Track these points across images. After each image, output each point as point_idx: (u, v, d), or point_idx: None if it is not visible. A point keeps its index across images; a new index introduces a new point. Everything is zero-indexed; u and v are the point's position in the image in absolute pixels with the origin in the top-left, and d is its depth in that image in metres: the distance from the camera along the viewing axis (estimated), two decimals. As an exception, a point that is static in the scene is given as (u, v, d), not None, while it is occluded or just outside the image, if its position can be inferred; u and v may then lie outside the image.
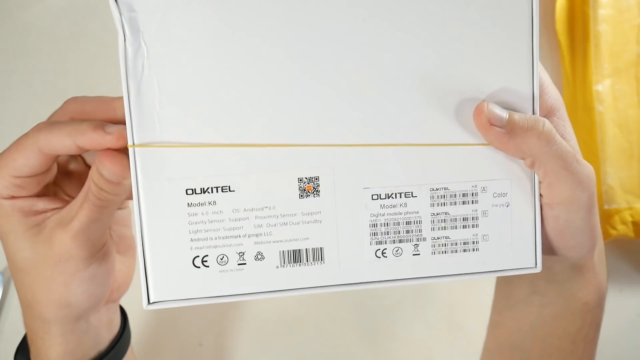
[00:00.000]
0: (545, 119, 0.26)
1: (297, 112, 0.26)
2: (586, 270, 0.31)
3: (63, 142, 0.26)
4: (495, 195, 0.27)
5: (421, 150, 0.27)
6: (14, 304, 0.49)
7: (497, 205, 0.28)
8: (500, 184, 0.27)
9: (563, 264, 0.30)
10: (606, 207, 0.45)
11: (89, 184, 0.26)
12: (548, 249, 0.29)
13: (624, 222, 0.45)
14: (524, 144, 0.25)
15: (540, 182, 0.27)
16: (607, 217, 0.45)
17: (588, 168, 0.27)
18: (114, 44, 0.53)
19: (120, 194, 0.27)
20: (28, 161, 0.27)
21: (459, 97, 0.26)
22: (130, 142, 0.25)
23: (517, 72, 0.26)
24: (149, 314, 0.48)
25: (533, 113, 0.26)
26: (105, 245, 0.29)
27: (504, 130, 0.25)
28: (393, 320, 0.49)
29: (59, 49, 0.50)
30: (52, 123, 0.27)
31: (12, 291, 0.49)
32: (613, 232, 0.45)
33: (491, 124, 0.25)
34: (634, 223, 0.45)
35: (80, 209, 0.27)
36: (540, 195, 0.27)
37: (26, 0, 0.50)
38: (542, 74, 0.27)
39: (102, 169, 0.25)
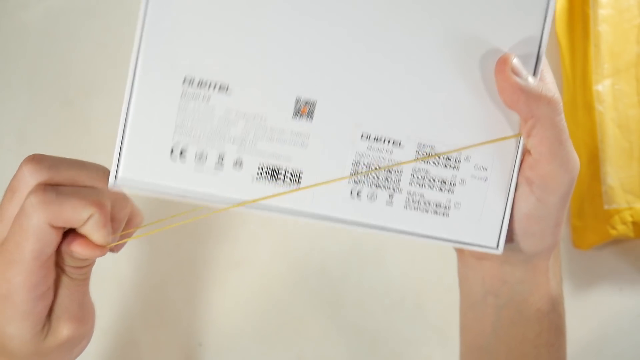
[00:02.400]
0: (557, 91, 0.26)
1: (310, 39, 0.26)
2: (538, 273, 0.30)
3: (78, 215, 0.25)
4: (476, 167, 0.28)
5: (420, 104, 0.27)
6: (14, 304, 0.49)
7: (475, 177, 0.28)
8: (484, 157, 0.28)
9: (517, 257, 0.30)
10: (606, 207, 0.45)
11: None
12: (509, 233, 0.28)
13: (624, 222, 0.45)
14: (534, 104, 0.26)
15: (526, 154, 0.27)
16: (607, 217, 0.45)
17: (577, 156, 0.27)
18: (114, 44, 0.53)
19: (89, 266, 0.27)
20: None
21: (470, 53, 0.27)
22: (140, 23, 0.25)
23: (525, 30, 0.27)
24: (150, 314, 0.48)
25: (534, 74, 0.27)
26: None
27: (523, 83, 0.26)
28: (393, 320, 0.49)
29: (59, 49, 0.50)
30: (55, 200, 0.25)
31: (12, 291, 0.49)
32: (613, 232, 0.45)
33: (513, 72, 0.26)
34: (634, 223, 0.45)
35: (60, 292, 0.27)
36: (522, 169, 0.27)
37: (26, 0, 0.50)
38: (545, 71, 0.28)
39: (76, 254, 0.26)
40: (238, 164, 0.27)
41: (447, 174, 0.28)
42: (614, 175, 0.45)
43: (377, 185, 0.28)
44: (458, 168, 0.28)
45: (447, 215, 0.28)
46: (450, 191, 0.28)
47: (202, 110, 0.26)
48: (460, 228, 0.28)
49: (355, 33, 0.26)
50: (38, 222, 0.25)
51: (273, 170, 0.27)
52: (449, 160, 0.28)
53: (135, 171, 0.26)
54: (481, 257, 0.30)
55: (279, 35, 0.26)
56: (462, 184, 0.28)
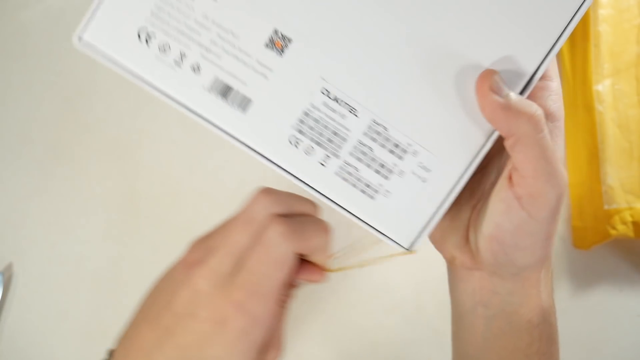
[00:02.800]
0: (539, 107, 0.26)
1: None
2: (529, 286, 0.30)
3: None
4: (420, 165, 0.27)
5: (391, 83, 0.27)
6: (14, 304, 0.49)
7: (415, 174, 0.28)
8: (431, 159, 0.27)
9: (508, 269, 0.30)
10: (606, 207, 0.45)
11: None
12: (500, 247, 0.28)
13: (624, 222, 0.45)
14: (514, 121, 0.25)
15: (513, 170, 0.27)
16: (607, 217, 0.45)
17: (564, 173, 0.27)
18: (114, 44, 0.51)
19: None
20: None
21: (461, 56, 0.27)
22: None
23: (529, 48, 0.27)
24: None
25: (521, 93, 0.27)
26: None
27: (502, 101, 0.26)
28: (393, 321, 0.49)
29: (59, 49, 0.50)
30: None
31: (12, 291, 0.49)
32: (613, 232, 0.45)
33: (491, 90, 0.26)
34: (634, 223, 0.45)
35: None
36: (510, 184, 0.27)
37: (26, 0, 0.50)
38: (555, 80, 0.28)
39: (306, 281, 0.28)
40: (196, 68, 0.27)
41: (389, 159, 0.27)
42: (614, 175, 0.45)
43: (318, 143, 0.27)
44: (402, 158, 0.27)
45: (373, 198, 0.28)
46: (385, 177, 0.28)
47: (182, 6, 0.26)
48: (380, 215, 0.28)
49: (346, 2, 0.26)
50: (287, 250, 0.26)
51: (225, 87, 0.27)
52: (396, 147, 0.27)
53: (100, 39, 0.27)
54: (471, 267, 0.30)
55: None
56: (399, 175, 0.28)
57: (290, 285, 0.28)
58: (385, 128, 0.27)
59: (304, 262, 0.28)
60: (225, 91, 0.27)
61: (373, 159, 0.28)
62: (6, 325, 0.49)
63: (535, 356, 0.31)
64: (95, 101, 0.50)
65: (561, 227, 0.50)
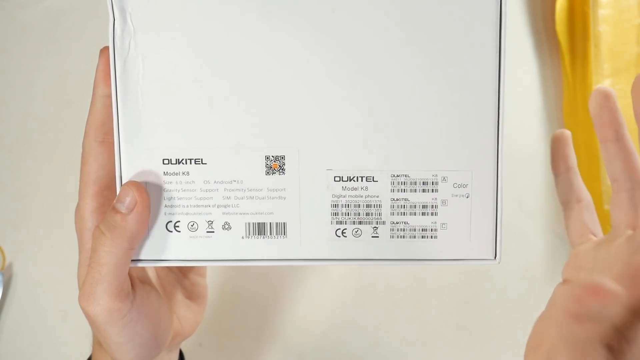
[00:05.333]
0: None
1: (267, 96, 0.28)
2: None
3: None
4: (455, 185, 0.28)
5: (384, 136, 0.28)
6: (14, 304, 0.49)
7: (457, 196, 0.28)
8: (462, 174, 0.28)
9: None
10: (606, 207, 0.45)
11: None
12: None
13: (624, 222, 0.45)
14: None
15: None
16: (607, 217, 0.45)
17: None
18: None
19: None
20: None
21: (423, 93, 0.27)
22: (114, 115, 0.28)
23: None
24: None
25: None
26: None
27: None
28: (393, 320, 0.49)
29: (59, 49, 0.50)
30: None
31: (12, 291, 0.49)
32: (613, 232, 0.45)
33: None
34: (634, 223, 0.45)
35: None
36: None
37: (26, 0, 0.50)
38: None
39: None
40: (226, 226, 0.29)
41: (426, 197, 0.28)
42: (614, 175, 0.45)
43: (360, 222, 0.28)
44: (437, 190, 0.28)
45: (436, 237, 0.28)
46: (434, 214, 0.28)
47: (184, 184, 0.28)
48: (451, 247, 0.28)
49: (311, 82, 0.27)
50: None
51: (259, 226, 0.29)
52: (426, 184, 0.28)
53: (149, 255, 0.29)
54: None
55: (238, 106, 0.28)
56: (444, 205, 0.28)
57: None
58: (406, 175, 0.28)
59: None
60: (261, 229, 0.29)
61: (414, 206, 0.28)
62: (6, 325, 0.49)
63: None
64: (95, 101, 0.50)
65: (561, 227, 0.50)
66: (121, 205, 0.27)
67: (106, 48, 0.28)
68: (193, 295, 0.35)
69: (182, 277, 0.35)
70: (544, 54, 0.50)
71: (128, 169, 0.28)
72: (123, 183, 0.28)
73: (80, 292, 0.28)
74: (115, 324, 0.28)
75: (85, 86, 0.50)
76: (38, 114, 0.50)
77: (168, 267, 0.33)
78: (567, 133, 0.31)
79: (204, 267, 0.35)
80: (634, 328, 0.23)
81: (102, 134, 0.29)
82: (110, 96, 0.28)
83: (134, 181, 0.28)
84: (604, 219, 0.46)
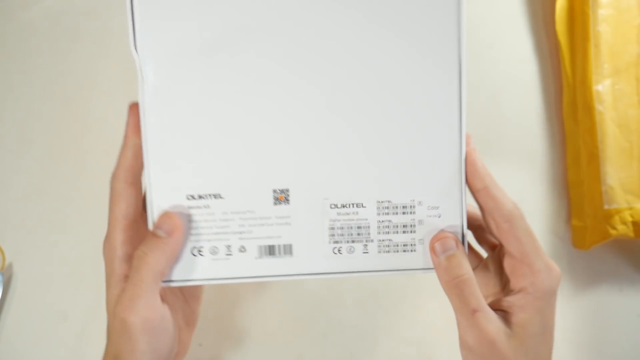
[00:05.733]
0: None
1: (274, 140, 0.33)
2: None
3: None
4: (429, 208, 0.34)
5: (371, 170, 0.34)
6: (14, 304, 0.49)
7: (430, 216, 0.34)
8: (434, 199, 0.34)
9: None
10: (606, 207, 0.45)
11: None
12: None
13: (624, 222, 0.45)
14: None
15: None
16: (607, 217, 0.45)
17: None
18: (114, 44, 0.53)
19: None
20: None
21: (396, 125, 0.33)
22: (145, 161, 0.33)
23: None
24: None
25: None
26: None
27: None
28: (393, 320, 0.49)
29: (59, 49, 0.50)
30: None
31: (12, 291, 0.49)
32: (613, 232, 0.45)
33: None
34: (634, 223, 0.45)
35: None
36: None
37: (26, 0, 0.51)
38: (497, 189, 0.33)
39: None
40: (242, 249, 0.34)
41: (406, 219, 0.34)
42: (614, 175, 0.45)
43: (353, 241, 0.34)
44: (414, 212, 0.34)
45: (415, 250, 0.34)
46: (413, 232, 0.34)
47: (205, 215, 0.34)
48: (428, 258, 0.34)
49: (309, 129, 0.33)
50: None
51: (270, 248, 0.34)
52: (405, 208, 0.34)
53: (177, 275, 0.34)
54: None
55: (249, 149, 0.33)
56: (420, 224, 0.34)
57: None
58: (389, 202, 0.34)
59: None
60: (270, 251, 0.34)
61: (396, 226, 0.34)
62: (6, 325, 0.49)
63: None
64: (96, 101, 0.50)
65: (561, 227, 0.50)
66: (161, 231, 0.32)
67: (135, 104, 0.33)
68: (190, 321, 0.38)
69: (184, 303, 0.38)
70: (544, 54, 0.50)
71: (159, 204, 0.33)
72: (155, 217, 0.33)
73: (120, 305, 0.32)
74: (147, 332, 0.32)
75: (86, 86, 0.50)
76: (38, 114, 0.50)
77: (176, 293, 0.37)
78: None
79: (201, 296, 0.40)
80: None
81: (131, 176, 0.33)
82: (139, 145, 0.33)
83: (170, 212, 0.33)
84: (604, 219, 0.46)
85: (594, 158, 0.46)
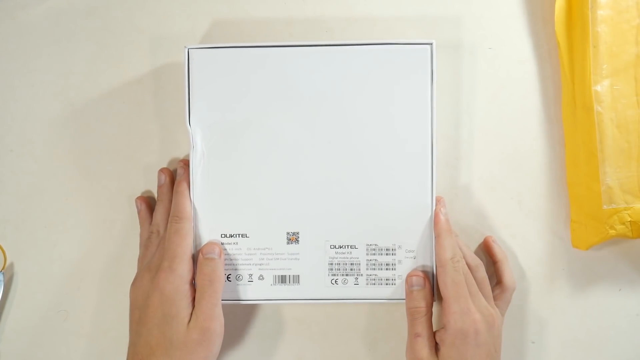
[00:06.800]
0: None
1: (288, 193, 0.45)
2: None
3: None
4: (407, 251, 0.45)
5: (362, 220, 0.45)
6: (14, 304, 0.49)
7: (407, 257, 0.45)
8: (410, 244, 0.45)
9: None
10: (605, 207, 0.46)
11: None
12: None
13: (622, 222, 0.45)
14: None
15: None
16: (606, 217, 0.46)
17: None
18: (114, 44, 0.53)
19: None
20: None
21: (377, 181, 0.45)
22: (192, 208, 0.45)
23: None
24: (149, 314, 0.48)
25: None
26: None
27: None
28: (393, 320, 0.49)
29: (59, 49, 0.50)
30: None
31: (12, 291, 0.49)
32: (612, 232, 0.45)
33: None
34: (633, 223, 0.45)
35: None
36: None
37: (26, 0, 0.50)
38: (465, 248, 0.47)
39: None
40: (260, 277, 0.45)
41: (389, 259, 0.45)
42: (613, 175, 0.45)
43: (347, 274, 0.45)
44: (395, 254, 0.45)
45: (395, 284, 0.45)
46: (393, 269, 0.45)
47: (234, 250, 0.45)
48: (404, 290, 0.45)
49: (315, 185, 0.44)
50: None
51: (282, 277, 0.45)
52: (388, 250, 0.45)
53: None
54: None
55: (270, 200, 0.45)
56: (400, 264, 0.45)
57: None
58: (376, 245, 0.45)
59: None
60: (283, 279, 0.45)
61: (381, 264, 0.45)
62: (6, 325, 0.49)
63: None
64: (96, 101, 0.50)
65: (560, 227, 0.50)
66: (212, 254, 0.43)
67: (187, 165, 0.45)
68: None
69: None
70: (543, 55, 0.50)
71: (201, 239, 0.45)
72: (198, 249, 0.44)
73: (203, 315, 0.41)
74: (220, 336, 0.41)
75: (86, 86, 0.50)
76: (38, 114, 0.50)
77: None
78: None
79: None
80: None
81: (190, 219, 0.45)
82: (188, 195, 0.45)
83: (212, 240, 0.45)
84: (603, 219, 0.46)
85: (593, 158, 0.46)
